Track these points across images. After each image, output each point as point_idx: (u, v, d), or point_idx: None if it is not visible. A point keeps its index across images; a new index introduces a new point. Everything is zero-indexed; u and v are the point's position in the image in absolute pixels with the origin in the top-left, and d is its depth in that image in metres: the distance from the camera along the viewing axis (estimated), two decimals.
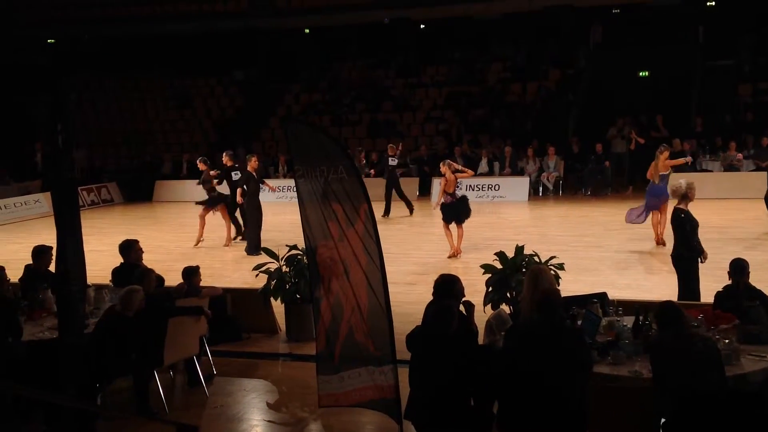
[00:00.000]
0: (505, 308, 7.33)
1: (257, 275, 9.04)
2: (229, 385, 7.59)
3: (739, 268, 6.49)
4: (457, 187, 12.80)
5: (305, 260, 7.58)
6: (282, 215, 16.77)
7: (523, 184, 20.35)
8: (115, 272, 8.38)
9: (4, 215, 20.46)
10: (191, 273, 8.05)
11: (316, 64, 28.94)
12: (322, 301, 6.42)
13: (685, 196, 8.44)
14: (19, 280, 8.31)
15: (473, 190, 19.66)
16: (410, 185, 20.31)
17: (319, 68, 28.83)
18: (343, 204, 5.98)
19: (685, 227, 8.20)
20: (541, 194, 20.74)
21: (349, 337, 6.18)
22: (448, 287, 5.78)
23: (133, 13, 28.82)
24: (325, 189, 6.13)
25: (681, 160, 13.84)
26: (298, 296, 8.65)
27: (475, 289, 7.75)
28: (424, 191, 20.92)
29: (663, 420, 4.96)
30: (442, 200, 12.58)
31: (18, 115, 25.72)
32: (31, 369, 6.40)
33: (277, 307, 9.02)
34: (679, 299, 7.76)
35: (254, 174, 13.82)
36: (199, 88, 29.66)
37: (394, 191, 17.75)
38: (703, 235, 8.36)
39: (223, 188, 14.81)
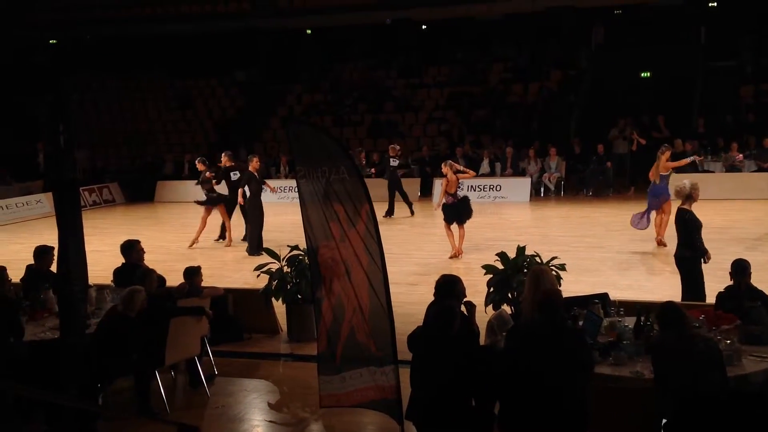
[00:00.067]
0: (506, 309, 7.34)
1: (258, 275, 9.04)
2: (231, 385, 7.59)
3: (740, 269, 6.49)
4: (459, 187, 12.80)
5: (306, 260, 7.57)
6: (283, 215, 16.78)
7: (524, 184, 20.34)
8: (117, 272, 8.40)
9: (6, 215, 20.49)
10: (193, 273, 8.06)
11: (317, 64, 28.93)
12: (324, 301, 6.42)
13: (689, 196, 8.44)
14: (21, 280, 8.32)
15: (475, 190, 19.66)
16: (412, 186, 20.33)
17: (320, 69, 28.82)
18: (345, 204, 5.99)
19: (689, 228, 8.20)
20: (542, 195, 20.73)
21: (350, 338, 6.18)
22: (449, 288, 5.79)
23: (134, 13, 28.86)
24: (327, 189, 6.13)
25: (684, 161, 13.73)
26: (299, 296, 8.66)
27: (476, 289, 7.76)
28: (426, 192, 20.92)
29: (664, 421, 4.96)
30: (444, 201, 12.58)
31: (20, 115, 25.77)
32: (33, 369, 6.40)
33: (279, 307, 9.02)
34: (682, 300, 7.77)
35: (256, 174, 13.83)
36: (201, 88, 29.68)
37: (396, 192, 17.75)
38: (704, 235, 8.36)
39: (222, 188, 14.83)
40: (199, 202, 14.61)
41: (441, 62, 27.45)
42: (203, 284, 8.16)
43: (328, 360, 6.46)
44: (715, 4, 26.05)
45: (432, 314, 5.52)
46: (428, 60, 27.73)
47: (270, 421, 6.72)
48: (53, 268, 7.50)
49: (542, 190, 20.83)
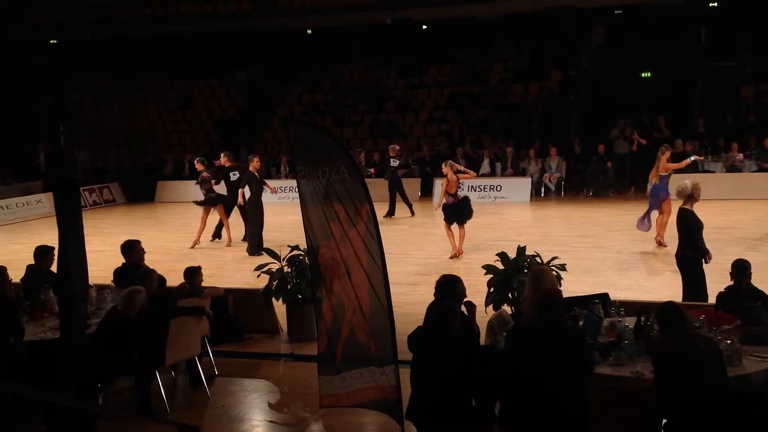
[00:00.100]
0: (506, 309, 7.34)
1: (259, 275, 9.04)
2: (231, 385, 7.59)
3: (740, 269, 6.48)
4: (460, 187, 12.80)
5: (307, 261, 7.58)
6: (284, 216, 16.78)
7: (524, 184, 20.34)
8: (117, 272, 8.40)
9: (7, 215, 20.50)
10: (193, 273, 8.06)
11: (317, 64, 28.94)
12: (324, 301, 6.42)
13: (691, 196, 8.45)
14: (21, 280, 8.32)
15: (475, 190, 19.66)
16: (412, 186, 20.34)
17: (320, 69, 28.83)
18: (345, 204, 5.99)
19: (690, 228, 8.20)
20: (542, 195, 20.74)
21: (350, 338, 6.18)
22: (449, 288, 5.79)
23: (134, 13, 28.87)
24: (327, 189, 6.13)
25: (684, 163, 13.52)
26: (299, 296, 8.66)
27: (476, 289, 7.76)
28: (426, 192, 20.93)
29: (665, 421, 4.96)
30: (444, 201, 12.58)
31: (20, 115, 25.76)
32: (33, 369, 6.40)
33: (279, 307, 9.02)
34: (683, 300, 7.77)
35: (256, 174, 13.83)
36: (201, 88, 29.68)
37: (396, 192, 17.76)
38: (705, 235, 8.36)
39: (220, 188, 14.83)
40: (197, 203, 14.61)
41: (441, 62, 27.45)
42: (203, 284, 8.16)
43: (328, 360, 6.46)
44: (716, 4, 26.04)
45: (432, 314, 5.52)
46: (428, 60, 27.73)
47: (270, 421, 6.72)
48: (53, 268, 7.50)
49: (543, 190, 20.83)
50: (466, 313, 5.78)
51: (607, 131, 20.91)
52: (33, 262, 8.41)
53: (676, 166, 12.86)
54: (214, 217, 14.75)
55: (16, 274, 8.16)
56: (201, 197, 14.57)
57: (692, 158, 13.76)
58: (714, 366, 4.92)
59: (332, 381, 6.37)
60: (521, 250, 7.84)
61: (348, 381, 6.23)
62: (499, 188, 20.28)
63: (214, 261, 13.28)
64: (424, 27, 29.08)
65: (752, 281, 6.53)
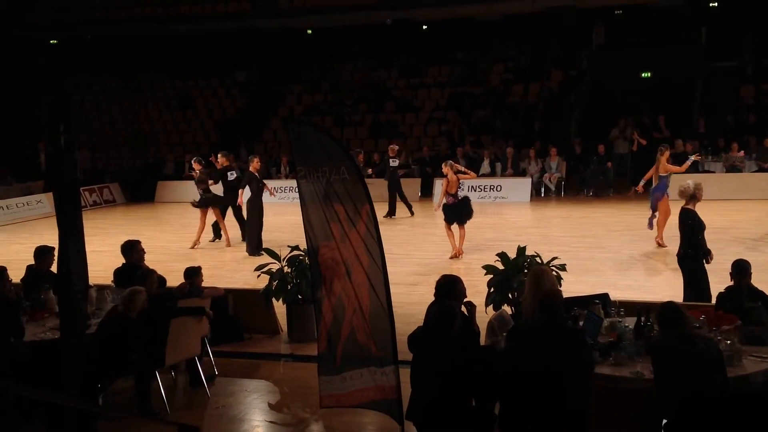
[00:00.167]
0: (506, 309, 7.34)
1: (259, 276, 9.04)
2: (231, 385, 7.59)
3: (741, 269, 6.48)
4: (460, 188, 12.79)
5: (307, 261, 7.58)
6: (284, 216, 16.78)
7: (525, 184, 20.35)
8: (117, 273, 8.39)
9: (7, 216, 20.50)
10: (193, 273, 8.06)
11: (318, 64, 28.94)
12: (324, 301, 6.42)
13: (693, 196, 8.45)
14: (21, 280, 8.32)
15: (475, 190, 19.66)
16: (412, 186, 20.33)
17: (321, 69, 28.83)
18: (345, 205, 5.98)
19: (692, 227, 8.20)
20: (543, 195, 20.74)
21: (350, 338, 6.18)
22: (449, 288, 5.79)
23: (134, 13, 28.90)
24: (327, 190, 6.13)
25: (685, 165, 13.25)
26: (299, 297, 8.66)
27: (476, 289, 7.76)
28: (426, 192, 20.92)
29: (665, 421, 4.95)
30: (444, 201, 12.58)
31: (20, 115, 25.78)
32: (33, 369, 6.40)
33: (279, 307, 9.01)
34: (684, 300, 7.77)
35: (256, 174, 13.83)
36: (201, 88, 29.68)
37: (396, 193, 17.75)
38: (705, 235, 8.36)
39: (217, 188, 14.82)
40: (194, 204, 14.58)
41: (441, 62, 27.44)
42: (203, 284, 8.16)
43: (328, 360, 6.45)
44: (716, 4, 26.05)
45: (432, 314, 5.52)
46: (429, 60, 27.73)
47: (270, 422, 6.72)
48: (54, 268, 7.49)
49: (543, 190, 20.83)
50: (466, 313, 5.78)
51: (607, 131, 20.91)
52: (33, 262, 8.39)
53: (676, 169, 12.76)
54: (213, 217, 14.75)
55: (16, 275, 8.16)
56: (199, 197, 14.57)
57: (691, 159, 13.74)
58: (714, 366, 4.92)
59: (332, 381, 6.37)
60: (521, 250, 7.84)
61: (348, 381, 6.22)
62: (499, 188, 20.28)
63: (214, 261, 13.29)
64: (424, 27, 29.09)
65: (752, 281, 6.53)
